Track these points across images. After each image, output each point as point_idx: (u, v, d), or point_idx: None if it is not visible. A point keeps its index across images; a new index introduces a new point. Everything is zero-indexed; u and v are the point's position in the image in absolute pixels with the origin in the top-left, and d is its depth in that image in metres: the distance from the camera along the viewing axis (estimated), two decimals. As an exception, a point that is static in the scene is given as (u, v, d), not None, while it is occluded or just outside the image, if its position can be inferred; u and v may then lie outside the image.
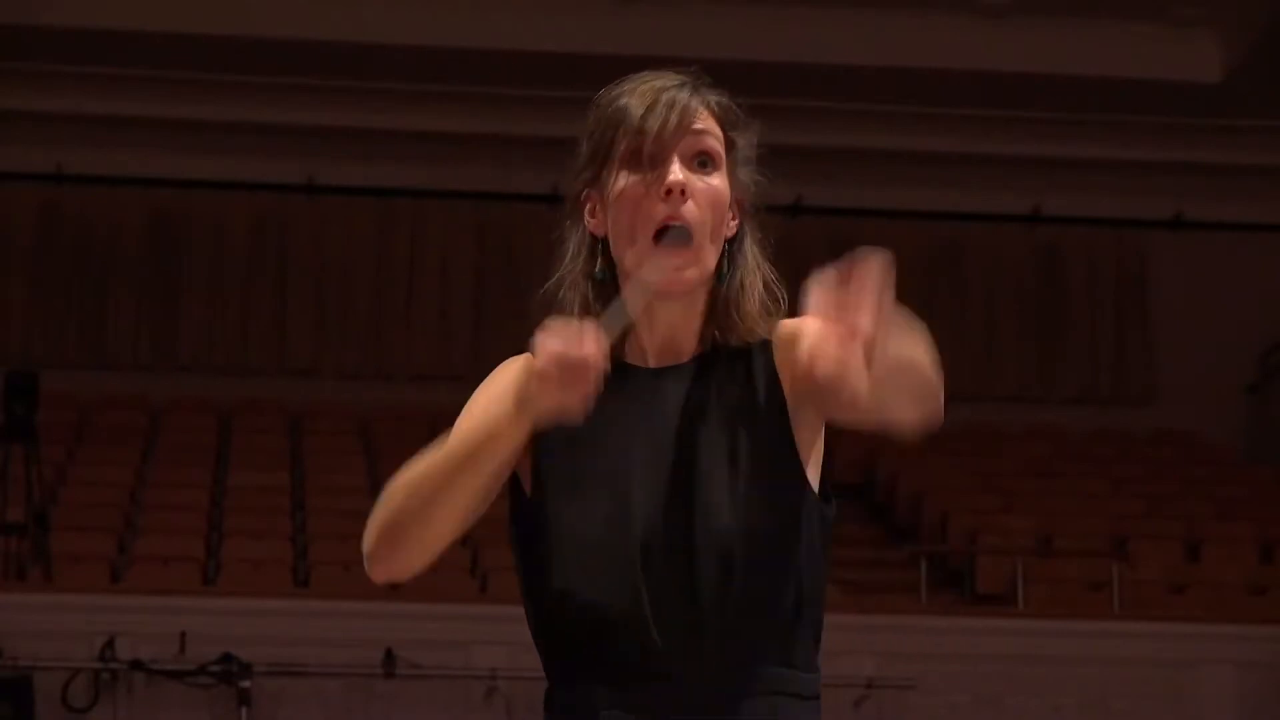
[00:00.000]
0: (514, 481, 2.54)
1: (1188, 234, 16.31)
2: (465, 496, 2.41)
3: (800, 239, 15.70)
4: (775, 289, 2.57)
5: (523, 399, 2.36)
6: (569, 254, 2.57)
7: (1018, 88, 15.10)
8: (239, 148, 15.35)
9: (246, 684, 9.75)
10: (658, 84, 2.52)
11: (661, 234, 2.47)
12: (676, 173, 2.47)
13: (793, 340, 2.48)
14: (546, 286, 2.53)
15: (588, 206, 2.55)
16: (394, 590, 10.88)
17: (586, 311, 2.50)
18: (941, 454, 14.16)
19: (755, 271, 2.57)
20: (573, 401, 2.31)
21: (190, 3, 14.40)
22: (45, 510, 11.08)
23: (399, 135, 15.40)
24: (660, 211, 2.47)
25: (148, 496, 12.55)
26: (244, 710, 9.73)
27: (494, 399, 2.47)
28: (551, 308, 2.54)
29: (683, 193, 2.47)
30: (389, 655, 10.06)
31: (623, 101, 2.51)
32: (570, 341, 2.30)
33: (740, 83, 2.64)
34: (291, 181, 15.61)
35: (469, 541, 11.89)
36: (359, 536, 2.51)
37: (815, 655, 2.50)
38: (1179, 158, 15.96)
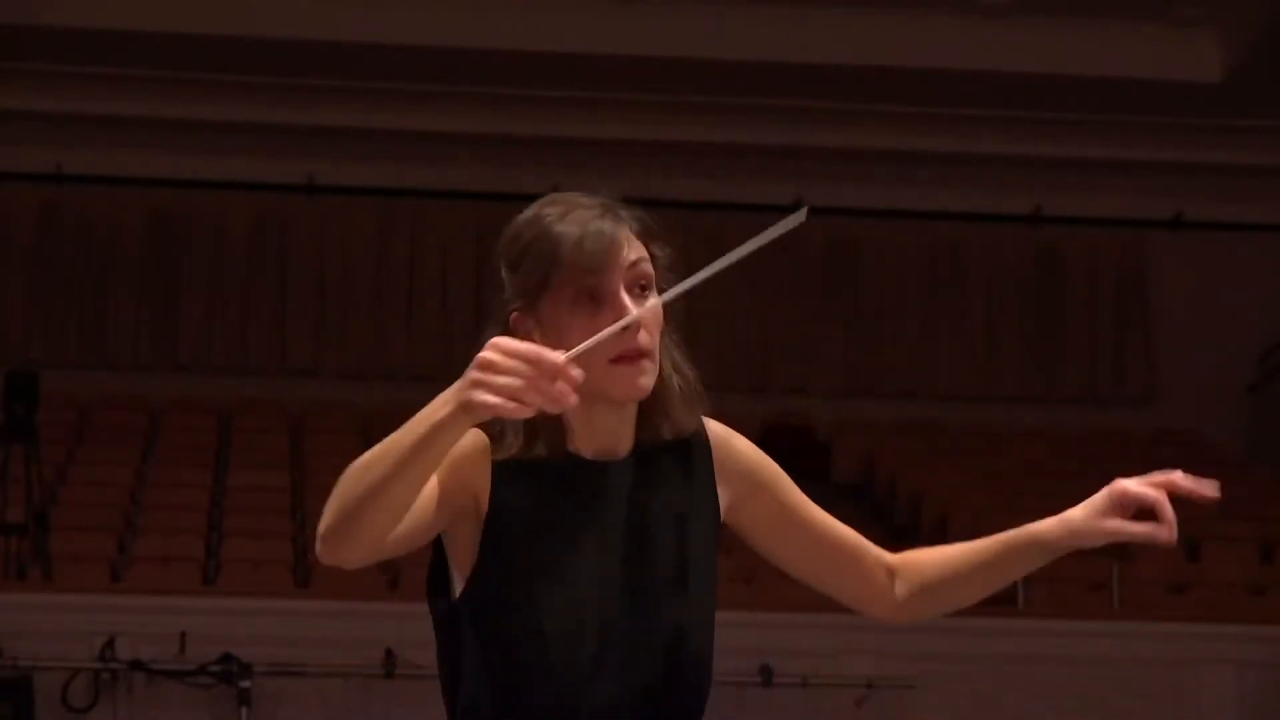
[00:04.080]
0: (438, 549, 2.64)
1: (1188, 234, 16.30)
2: (403, 488, 2.41)
3: (800, 239, 15.69)
4: (690, 372, 2.71)
5: (463, 397, 2.33)
6: None
7: (1018, 88, 15.09)
8: (239, 148, 15.34)
9: (246, 684, 9.73)
10: (583, 215, 2.59)
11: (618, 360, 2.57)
12: (632, 308, 2.55)
13: (731, 452, 2.75)
14: None
15: (520, 330, 2.60)
16: (394, 590, 10.88)
17: (532, 430, 2.60)
18: (941, 454, 14.15)
19: (673, 363, 2.69)
20: (527, 402, 2.30)
21: (190, 3, 14.39)
22: (45, 510, 11.07)
23: (399, 135, 15.39)
24: (616, 345, 2.54)
25: (148, 496, 12.54)
26: (244, 710, 9.72)
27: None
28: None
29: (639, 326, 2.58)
30: (389, 655, 10.04)
31: (555, 231, 2.58)
32: (534, 348, 2.32)
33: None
34: (291, 181, 15.60)
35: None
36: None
37: None
38: (1179, 158, 15.95)
